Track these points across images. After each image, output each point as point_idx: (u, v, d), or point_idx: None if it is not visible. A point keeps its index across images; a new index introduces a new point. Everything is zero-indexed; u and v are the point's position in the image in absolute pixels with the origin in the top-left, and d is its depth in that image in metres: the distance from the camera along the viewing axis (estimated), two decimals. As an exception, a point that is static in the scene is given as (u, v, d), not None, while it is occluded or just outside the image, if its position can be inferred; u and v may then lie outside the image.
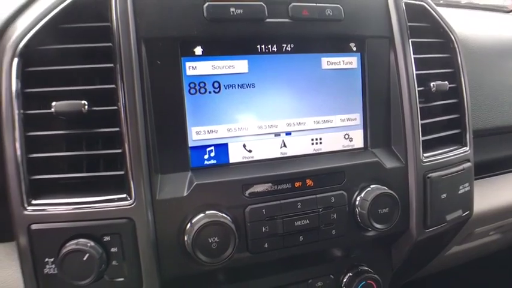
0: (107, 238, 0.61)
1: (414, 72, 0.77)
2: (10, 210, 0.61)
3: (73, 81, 0.62)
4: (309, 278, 0.79)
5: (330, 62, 0.74)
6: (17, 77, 0.60)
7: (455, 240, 0.98)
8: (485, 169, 1.07)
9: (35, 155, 0.61)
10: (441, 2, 1.57)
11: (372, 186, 0.73)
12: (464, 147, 0.85)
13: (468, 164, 0.84)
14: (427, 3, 0.83)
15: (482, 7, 1.49)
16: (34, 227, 0.60)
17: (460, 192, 0.82)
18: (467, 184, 0.83)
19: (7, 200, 0.62)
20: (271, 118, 0.71)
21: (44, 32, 0.61)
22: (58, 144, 0.63)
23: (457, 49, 0.85)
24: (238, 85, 0.69)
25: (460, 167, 0.82)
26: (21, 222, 0.60)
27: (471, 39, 1.03)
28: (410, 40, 0.78)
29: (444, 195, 0.79)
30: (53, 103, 0.60)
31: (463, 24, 1.08)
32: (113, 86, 0.62)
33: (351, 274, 0.80)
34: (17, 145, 0.60)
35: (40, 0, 0.67)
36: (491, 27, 1.20)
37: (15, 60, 0.60)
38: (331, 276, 0.81)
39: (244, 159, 0.71)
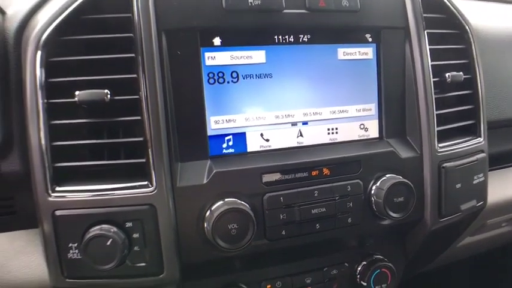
0: (129, 224, 0.62)
1: (429, 63, 0.78)
2: (34, 197, 0.63)
3: (95, 71, 0.64)
4: (324, 266, 0.80)
5: (346, 52, 0.75)
6: (41, 67, 0.62)
7: (468, 231, 0.98)
8: (500, 160, 1.07)
9: (58, 143, 0.62)
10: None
11: (387, 175, 0.74)
12: (479, 138, 0.85)
13: (482, 155, 0.84)
14: (442, -5, 0.83)
15: (496, -1, 1.48)
16: (58, 213, 0.62)
17: (474, 182, 0.82)
18: (481, 174, 0.84)
19: (31, 187, 0.64)
20: (288, 108, 0.72)
21: (66, 23, 0.63)
22: (81, 132, 0.64)
23: (472, 40, 0.85)
24: (256, 75, 0.70)
25: (474, 158, 0.83)
26: (45, 208, 0.62)
27: (485, 30, 1.03)
28: (425, 31, 0.78)
29: (459, 185, 0.80)
30: (76, 92, 0.62)
31: (477, 16, 1.07)
32: (135, 75, 0.63)
33: (365, 263, 0.81)
34: (42, 133, 0.61)
35: (62, -9, 0.68)
36: (505, 19, 1.19)
37: (39, 50, 0.62)
38: (346, 264, 0.82)
39: (262, 148, 0.72)
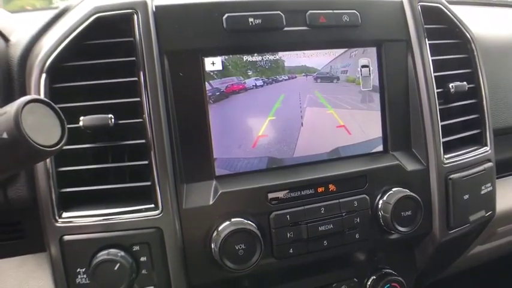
0: (136, 248, 0.62)
1: (432, 74, 0.77)
2: (42, 223, 0.63)
3: (99, 96, 0.64)
4: (333, 282, 0.80)
5: (348, 67, 0.75)
6: (45, 93, 0.62)
7: (478, 240, 0.97)
8: (508, 167, 1.06)
9: (64, 169, 0.63)
10: (454, -1, 1.56)
11: (394, 189, 0.74)
12: (485, 147, 0.85)
13: (489, 164, 0.84)
14: (442, 5, 0.83)
15: (497, 4, 1.48)
16: (66, 238, 0.62)
17: (482, 192, 0.82)
18: (489, 184, 0.83)
19: (38, 212, 0.64)
20: (292, 125, 0.72)
21: (70, 49, 0.63)
22: (86, 157, 0.64)
23: (475, 49, 0.85)
24: (260, 92, 0.70)
25: (482, 167, 0.82)
26: (53, 234, 0.62)
27: (487, 37, 1.03)
28: (427, 42, 0.78)
29: (466, 196, 0.79)
30: (81, 118, 0.62)
31: (479, 23, 1.07)
32: (138, 99, 0.64)
33: (374, 277, 0.80)
34: (47, 159, 0.62)
35: (64, 18, 0.69)
36: (507, 25, 1.19)
37: (43, 77, 0.62)
38: (355, 279, 0.81)
39: (267, 166, 0.71)
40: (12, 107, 0.39)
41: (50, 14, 0.71)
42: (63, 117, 0.45)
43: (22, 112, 0.39)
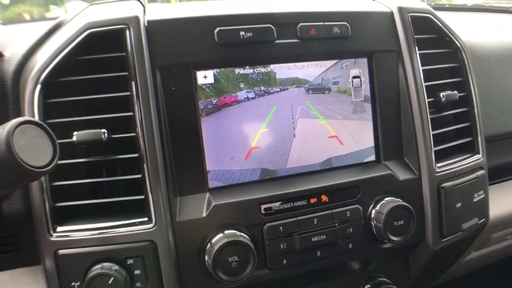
0: (130, 261, 0.62)
1: (423, 83, 0.78)
2: (36, 236, 0.64)
3: (92, 110, 0.65)
4: None
5: (339, 78, 0.76)
6: (39, 109, 0.63)
7: (472, 247, 0.98)
8: (501, 173, 1.07)
9: (58, 183, 0.63)
10: (446, 5, 1.58)
11: (386, 198, 0.74)
12: (477, 155, 0.85)
13: (481, 172, 0.84)
14: (432, 15, 0.83)
15: (489, 9, 1.49)
16: (60, 252, 0.62)
17: (475, 200, 0.82)
18: (481, 192, 0.83)
19: (32, 226, 0.64)
20: (285, 136, 0.73)
21: (63, 64, 0.64)
22: (80, 171, 0.65)
23: (465, 58, 0.85)
24: (252, 105, 0.71)
25: (474, 175, 0.83)
26: (47, 248, 0.62)
27: (479, 44, 1.04)
28: (417, 52, 0.79)
29: (459, 204, 0.79)
30: (74, 133, 0.62)
31: (470, 29, 1.08)
32: (131, 113, 0.64)
33: (369, 286, 0.81)
34: None
35: (57, 33, 0.70)
36: (498, 30, 1.20)
37: (37, 92, 0.63)
38: (349, 288, 0.82)
39: (260, 178, 0.72)
40: (3, 129, 0.39)
41: (43, 28, 0.72)
42: (54, 137, 0.46)
43: (14, 134, 0.39)
